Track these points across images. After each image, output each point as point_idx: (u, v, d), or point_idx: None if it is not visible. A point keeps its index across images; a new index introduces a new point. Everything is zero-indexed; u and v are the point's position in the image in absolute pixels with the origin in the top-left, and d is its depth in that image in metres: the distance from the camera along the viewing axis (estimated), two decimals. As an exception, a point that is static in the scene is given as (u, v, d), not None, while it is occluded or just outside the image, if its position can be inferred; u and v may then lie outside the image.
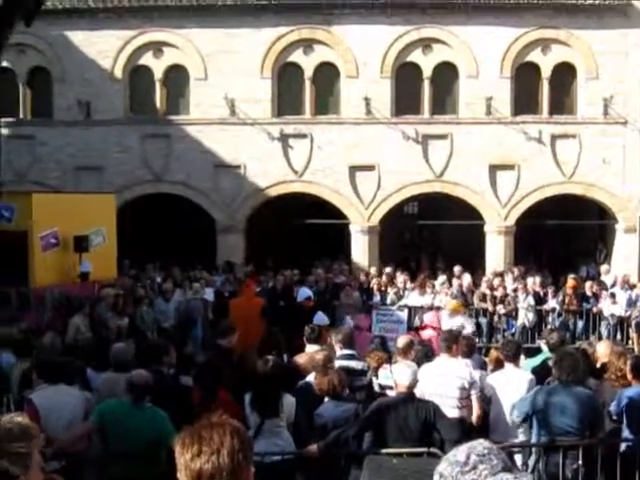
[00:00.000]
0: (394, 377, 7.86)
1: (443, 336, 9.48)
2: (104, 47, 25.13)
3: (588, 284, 20.97)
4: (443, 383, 8.60)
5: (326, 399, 8.14)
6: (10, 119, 25.87)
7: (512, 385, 8.62)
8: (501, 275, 22.61)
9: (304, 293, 18.35)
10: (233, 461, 2.67)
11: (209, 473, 2.65)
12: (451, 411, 8.42)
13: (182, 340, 16.69)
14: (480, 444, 2.50)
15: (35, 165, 25.57)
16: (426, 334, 15.89)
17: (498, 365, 9.49)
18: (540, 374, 8.87)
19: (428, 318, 17.17)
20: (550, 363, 8.59)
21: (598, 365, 9.19)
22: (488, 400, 8.85)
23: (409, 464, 6.86)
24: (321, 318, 14.14)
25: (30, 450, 2.82)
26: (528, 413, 7.79)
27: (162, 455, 7.13)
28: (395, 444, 7.28)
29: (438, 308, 19.07)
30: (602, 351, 9.36)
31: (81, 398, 7.83)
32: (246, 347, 11.34)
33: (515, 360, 9.00)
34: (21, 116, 26.04)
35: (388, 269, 22.35)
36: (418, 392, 8.11)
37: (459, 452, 2.48)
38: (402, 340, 10.07)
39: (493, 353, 10.18)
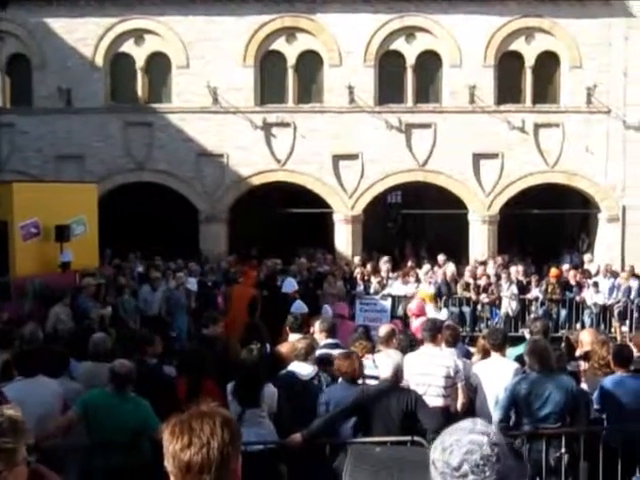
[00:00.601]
0: (377, 366, 7.83)
1: (426, 325, 9.47)
2: (85, 34, 24.91)
3: (571, 273, 21.06)
4: (428, 372, 8.59)
5: (340, 380, 8.14)
6: (-10, 107, 25.66)
7: (498, 374, 8.61)
8: (484, 264, 22.68)
9: (290, 285, 18.32)
10: (223, 454, 2.64)
11: (198, 465, 2.62)
12: (436, 400, 8.42)
13: (167, 329, 16.69)
14: (479, 449, 2.37)
15: (15, 154, 25.33)
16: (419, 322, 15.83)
17: (486, 354, 9.46)
18: (524, 363, 8.86)
19: (415, 306, 17.13)
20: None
21: (581, 352, 9.21)
22: (474, 389, 8.84)
23: (392, 453, 6.82)
24: (300, 306, 14.16)
25: (17, 446, 2.75)
26: (507, 407, 7.79)
27: (145, 444, 7.09)
28: (377, 433, 7.26)
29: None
30: (586, 339, 9.39)
31: (57, 391, 7.71)
32: (232, 334, 11.35)
33: (501, 349, 8.99)
34: (0, 104, 25.77)
35: (385, 259, 22.04)
36: (403, 381, 8.13)
37: (454, 455, 2.37)
38: (384, 329, 10.07)
39: (480, 341, 10.12)
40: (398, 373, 7.60)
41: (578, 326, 18.88)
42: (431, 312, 16.14)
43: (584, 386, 8.40)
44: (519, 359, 9.06)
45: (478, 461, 2.34)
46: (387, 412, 7.33)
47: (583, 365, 8.90)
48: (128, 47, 25.27)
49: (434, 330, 9.23)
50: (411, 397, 7.48)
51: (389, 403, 7.36)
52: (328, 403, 7.82)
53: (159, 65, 25.36)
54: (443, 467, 2.37)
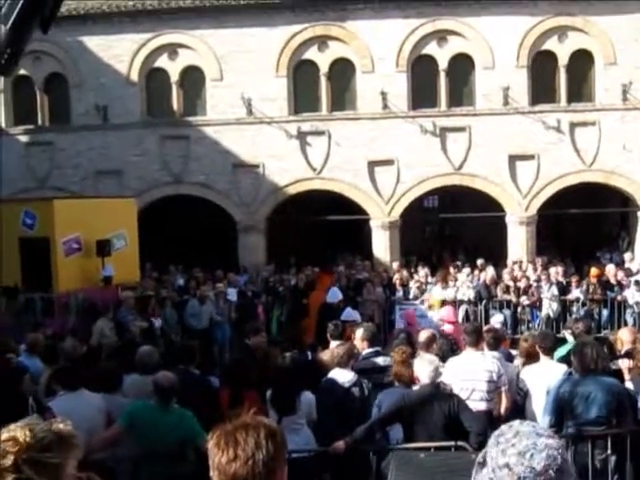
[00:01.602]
0: (415, 371, 7.80)
1: (468, 329, 9.42)
2: (119, 51, 25.24)
3: (612, 272, 20.79)
4: (471, 377, 8.55)
5: (396, 383, 8.19)
6: (29, 126, 26.06)
7: (549, 378, 8.50)
8: (520, 263, 22.59)
9: (335, 294, 18.42)
10: (268, 466, 2.65)
11: (243, 478, 2.63)
12: (479, 404, 8.38)
13: (208, 341, 16.82)
14: (558, 453, 2.33)
15: (55, 171, 25.72)
16: (446, 329, 15.81)
17: (529, 357, 9.36)
18: (567, 364, 8.79)
19: (446, 312, 17.09)
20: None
21: (622, 351, 9.11)
22: (525, 393, 8.77)
23: (437, 458, 6.82)
24: (350, 314, 14.17)
25: (63, 461, 2.74)
26: (554, 410, 7.72)
27: (190, 455, 7.16)
28: (420, 438, 7.26)
29: (461, 302, 19.12)
30: (625, 337, 9.28)
31: (100, 405, 7.77)
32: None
33: (552, 353, 8.92)
34: (39, 123, 26.19)
35: (422, 272, 22.07)
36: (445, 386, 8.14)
37: (536, 459, 2.31)
38: (424, 334, 10.02)
39: (523, 344, 9.97)
40: (437, 378, 7.60)
41: (621, 326, 18.64)
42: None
43: (629, 385, 8.30)
44: (562, 360, 9.00)
45: (560, 465, 2.33)
46: (429, 417, 7.31)
47: (628, 363, 8.78)
48: (162, 62, 25.54)
49: (475, 334, 9.18)
50: (453, 401, 7.45)
51: (431, 408, 7.34)
52: (380, 406, 7.86)
53: (193, 78, 25.59)
54: (525, 472, 2.32)
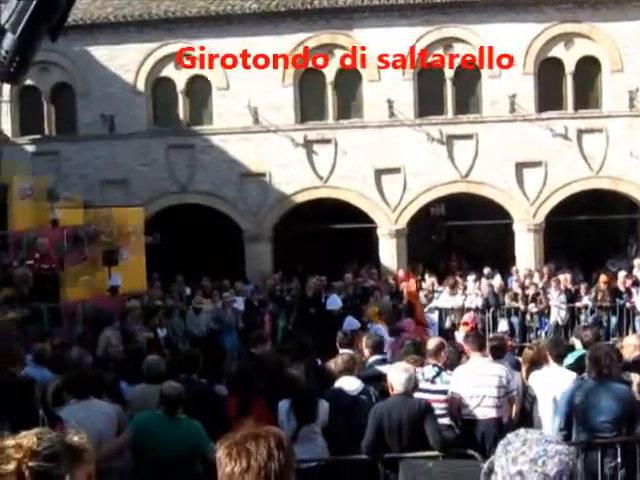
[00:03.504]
0: (389, 378, 7.77)
1: (473, 337, 9.39)
2: (126, 61, 25.28)
3: (621, 279, 20.72)
4: (480, 384, 8.51)
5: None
6: (35, 136, 26.10)
7: (558, 385, 8.45)
8: (528, 271, 22.57)
9: (334, 302, 18.39)
10: (280, 476, 2.66)
11: None
12: (490, 411, 8.37)
13: (216, 349, 16.77)
14: (569, 459, 2.36)
15: (61, 181, 25.69)
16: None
17: (532, 365, 9.31)
18: (575, 372, 8.75)
19: (470, 317, 17.10)
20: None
21: (630, 359, 9.05)
22: (533, 399, 8.73)
23: (445, 467, 6.82)
24: (352, 323, 14.14)
25: (69, 474, 2.70)
26: (566, 415, 7.67)
27: (197, 465, 7.12)
28: (392, 446, 7.37)
29: (477, 309, 19.11)
30: (634, 342, 9.23)
31: (112, 412, 7.79)
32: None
33: (562, 360, 8.87)
34: (46, 132, 26.24)
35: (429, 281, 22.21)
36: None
37: (549, 466, 2.31)
38: (433, 342, 9.95)
39: (528, 352, 9.94)
40: (410, 385, 7.60)
41: (630, 333, 18.56)
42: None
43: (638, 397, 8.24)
44: (570, 368, 8.95)
45: (572, 469, 2.38)
46: (400, 425, 7.40)
47: (638, 378, 8.69)
48: (169, 71, 25.57)
49: (478, 339, 9.18)
50: (421, 409, 7.54)
51: (401, 416, 7.41)
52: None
53: (200, 87, 25.61)
54: (539, 479, 2.35)
